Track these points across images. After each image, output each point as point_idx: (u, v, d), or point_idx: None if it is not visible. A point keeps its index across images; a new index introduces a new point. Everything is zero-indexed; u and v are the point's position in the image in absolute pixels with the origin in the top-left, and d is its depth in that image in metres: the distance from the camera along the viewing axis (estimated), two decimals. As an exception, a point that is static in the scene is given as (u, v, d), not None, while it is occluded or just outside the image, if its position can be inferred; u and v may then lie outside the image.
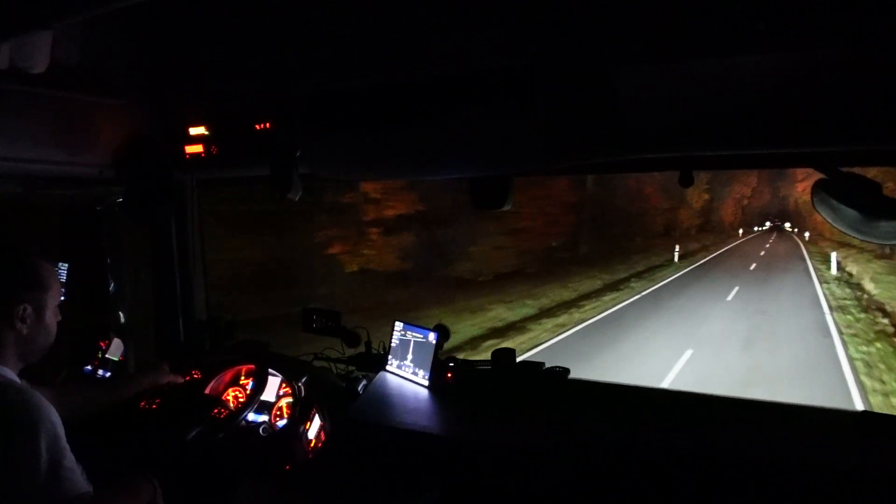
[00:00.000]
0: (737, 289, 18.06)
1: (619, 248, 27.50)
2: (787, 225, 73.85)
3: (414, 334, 2.41)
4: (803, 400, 2.14)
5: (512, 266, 19.80)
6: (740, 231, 61.25)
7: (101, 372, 2.76)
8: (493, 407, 2.17)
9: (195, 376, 2.44)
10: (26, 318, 1.56)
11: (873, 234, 1.41)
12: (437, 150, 1.86)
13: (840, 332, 11.91)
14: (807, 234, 49.00)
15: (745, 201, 71.18)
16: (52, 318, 1.64)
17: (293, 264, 12.97)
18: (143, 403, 2.27)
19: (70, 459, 1.41)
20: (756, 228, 72.92)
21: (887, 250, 23.18)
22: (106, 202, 3.02)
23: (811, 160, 1.54)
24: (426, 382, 2.30)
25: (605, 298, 17.05)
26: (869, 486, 1.53)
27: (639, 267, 24.47)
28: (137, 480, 1.65)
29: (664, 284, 20.25)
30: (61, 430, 1.43)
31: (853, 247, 27.23)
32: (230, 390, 2.48)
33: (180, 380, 2.34)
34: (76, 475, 1.41)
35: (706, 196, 49.34)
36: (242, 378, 2.51)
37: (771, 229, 74.30)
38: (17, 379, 1.54)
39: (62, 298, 2.83)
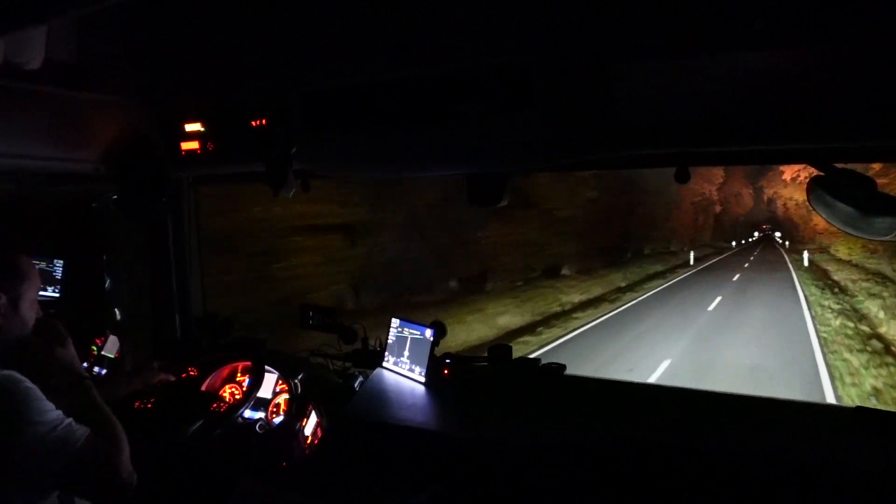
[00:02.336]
0: None
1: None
2: (778, 235, 56.80)
3: (411, 331, 2.41)
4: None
5: None
6: (692, 256, 34.29)
7: (96, 369, 2.75)
8: (489, 403, 2.17)
9: (191, 373, 2.44)
10: (0, 308, 1.55)
11: (868, 231, 1.42)
12: (435, 147, 1.86)
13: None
14: (806, 255, 29.40)
15: (718, 207, 49.05)
16: (28, 310, 1.62)
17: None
18: (137, 404, 2.27)
19: (58, 413, 1.42)
20: (734, 243, 52.84)
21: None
22: (102, 199, 3.01)
23: (806, 156, 1.55)
24: (423, 379, 2.30)
25: None
26: (864, 482, 1.53)
27: None
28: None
29: None
30: (40, 392, 1.43)
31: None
32: (227, 387, 2.47)
33: (172, 378, 2.34)
34: (70, 424, 1.42)
35: (590, 193, 22.46)
36: (239, 375, 2.51)
37: (758, 241, 57.72)
38: None
39: (56, 295, 2.86)
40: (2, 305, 1.55)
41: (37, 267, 1.73)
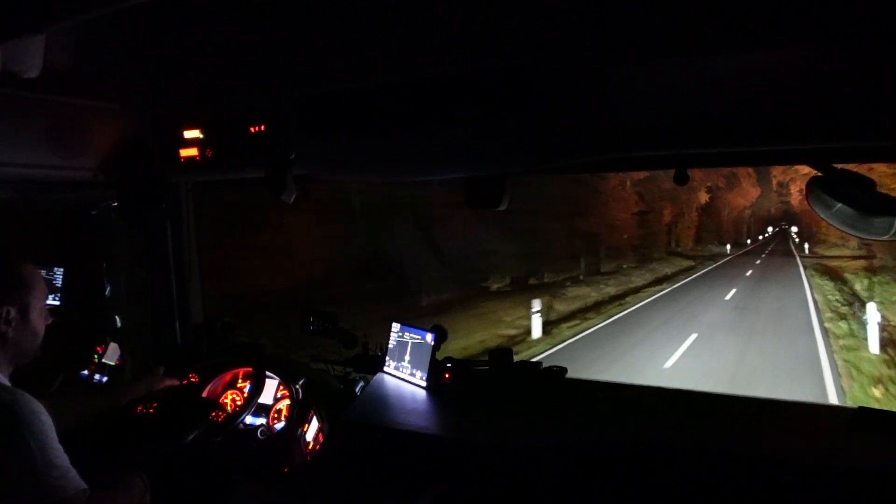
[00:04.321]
0: None
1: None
2: (795, 230, 45.55)
3: (411, 335, 2.41)
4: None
5: None
6: (537, 321, 12.05)
7: (97, 377, 2.75)
8: (490, 407, 2.16)
9: (192, 380, 2.43)
10: (11, 321, 1.53)
11: (867, 231, 1.42)
12: (432, 150, 1.86)
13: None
14: (874, 319, 10.30)
15: (703, 196, 35.35)
16: (38, 319, 1.61)
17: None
18: (139, 409, 2.27)
19: (63, 458, 1.41)
20: (729, 248, 40.16)
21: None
22: (101, 206, 3.02)
23: (805, 157, 1.55)
24: (424, 383, 2.30)
25: None
26: (865, 483, 1.53)
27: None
28: (130, 477, 1.64)
29: None
30: (53, 430, 1.42)
31: None
32: (228, 393, 2.47)
33: (176, 384, 2.33)
34: (71, 473, 1.40)
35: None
36: (240, 381, 2.50)
37: (767, 241, 46.15)
38: (6, 381, 1.53)
39: (56, 302, 2.86)
40: (11, 318, 1.54)
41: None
